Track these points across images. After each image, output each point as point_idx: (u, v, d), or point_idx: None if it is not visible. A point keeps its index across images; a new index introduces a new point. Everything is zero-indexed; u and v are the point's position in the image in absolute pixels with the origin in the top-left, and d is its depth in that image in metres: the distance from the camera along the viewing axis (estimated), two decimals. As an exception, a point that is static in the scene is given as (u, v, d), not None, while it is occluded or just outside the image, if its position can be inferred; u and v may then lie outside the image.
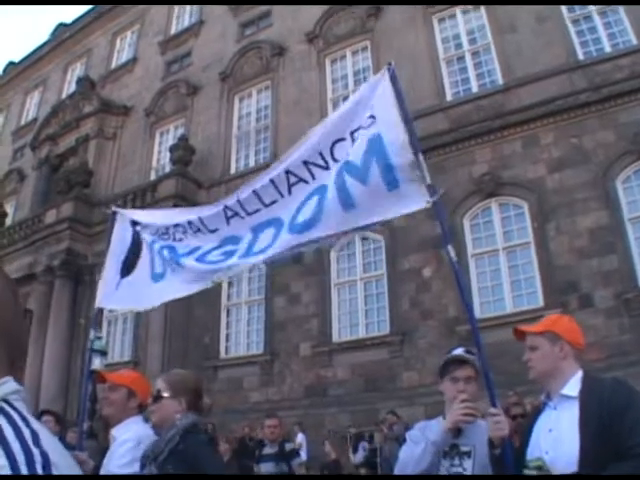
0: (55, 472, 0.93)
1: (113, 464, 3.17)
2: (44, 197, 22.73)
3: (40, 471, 0.90)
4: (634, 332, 11.70)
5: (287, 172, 4.04)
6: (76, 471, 1.05)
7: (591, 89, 13.56)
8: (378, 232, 14.80)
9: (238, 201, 4.27)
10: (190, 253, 4.54)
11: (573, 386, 2.60)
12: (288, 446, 6.96)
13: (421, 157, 3.43)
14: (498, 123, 14.40)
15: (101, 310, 4.86)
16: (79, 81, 24.44)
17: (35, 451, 0.94)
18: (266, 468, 6.82)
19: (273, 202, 4.13)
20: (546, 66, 14.19)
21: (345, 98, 17.64)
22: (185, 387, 3.14)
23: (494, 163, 14.30)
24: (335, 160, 3.88)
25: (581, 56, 14.32)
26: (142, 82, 22.87)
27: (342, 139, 3.86)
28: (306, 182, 4.01)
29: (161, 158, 21.18)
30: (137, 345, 17.07)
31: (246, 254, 4.26)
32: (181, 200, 17.15)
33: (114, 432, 3.44)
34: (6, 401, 1.03)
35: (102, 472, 3.35)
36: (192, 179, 18.55)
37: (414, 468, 2.94)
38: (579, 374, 2.65)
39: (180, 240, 4.62)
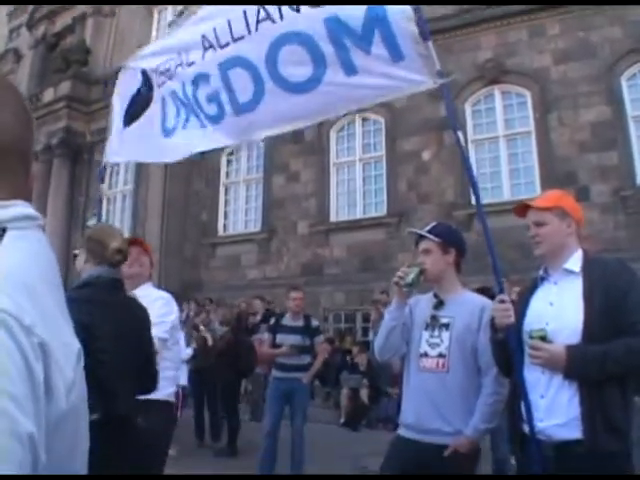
0: None
1: (154, 314, 3.25)
2: (41, 76, 22.22)
3: None
4: (629, 229, 11.87)
5: (259, 4, 3.54)
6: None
7: (600, -17, 13.22)
8: (379, 113, 14.76)
9: (214, 30, 3.84)
10: (186, 97, 4.16)
11: (575, 262, 2.69)
12: (314, 323, 7.03)
13: (430, 43, 3.14)
14: (504, 10, 14.00)
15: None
16: (75, -42, 23.56)
17: None
18: (293, 340, 6.78)
19: (240, 38, 3.72)
20: (556, -45, 13.70)
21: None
22: (86, 238, 3.04)
23: (499, 50, 14.06)
24: (311, 3, 3.40)
25: (593, -52, 13.87)
26: (141, -42, 22.02)
27: None
28: (273, 21, 3.51)
29: (159, 35, 20.57)
30: (136, 222, 17.25)
31: (236, 105, 3.90)
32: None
33: (138, 292, 3.55)
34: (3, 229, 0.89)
35: None
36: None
37: (379, 338, 3.29)
38: (580, 251, 2.73)
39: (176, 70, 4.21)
